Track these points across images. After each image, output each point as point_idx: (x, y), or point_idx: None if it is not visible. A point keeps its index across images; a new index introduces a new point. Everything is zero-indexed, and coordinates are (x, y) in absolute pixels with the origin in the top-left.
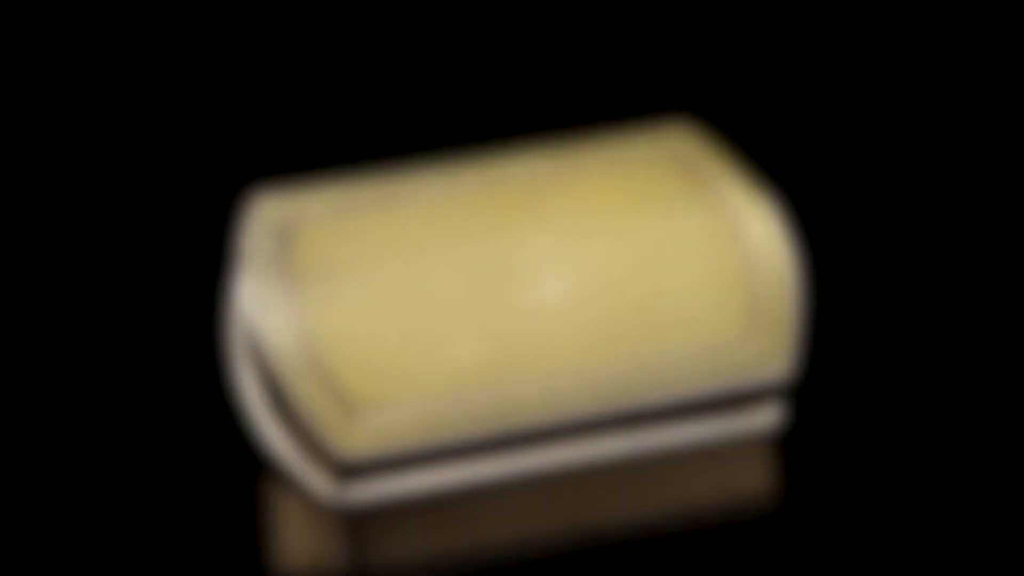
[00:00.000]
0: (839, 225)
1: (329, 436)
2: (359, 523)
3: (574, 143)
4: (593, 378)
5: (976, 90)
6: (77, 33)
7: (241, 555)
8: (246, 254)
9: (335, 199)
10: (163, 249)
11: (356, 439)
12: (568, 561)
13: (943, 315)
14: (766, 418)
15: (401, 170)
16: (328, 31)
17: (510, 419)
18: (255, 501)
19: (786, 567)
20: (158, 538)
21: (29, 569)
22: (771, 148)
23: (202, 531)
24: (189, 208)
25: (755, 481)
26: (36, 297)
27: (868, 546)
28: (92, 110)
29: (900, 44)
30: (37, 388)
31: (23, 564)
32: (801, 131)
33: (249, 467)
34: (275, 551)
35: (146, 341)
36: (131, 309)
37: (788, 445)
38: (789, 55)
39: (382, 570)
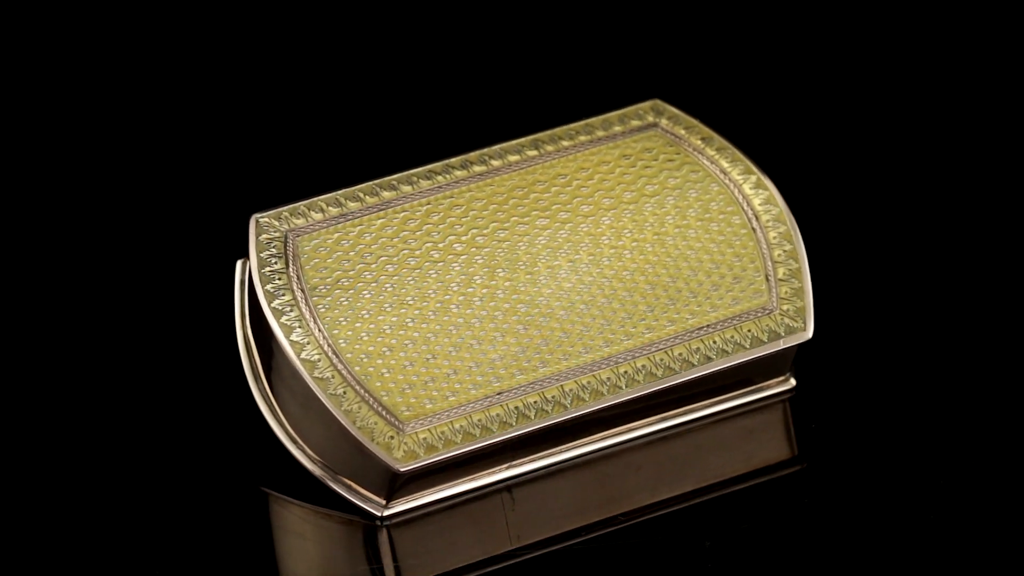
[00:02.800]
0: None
1: (376, 451)
2: (403, 533)
3: (556, 133)
4: (625, 363)
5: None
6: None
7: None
8: (257, 276)
9: (334, 211)
10: (180, 280)
11: (404, 452)
12: (605, 542)
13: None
14: (786, 380)
15: (392, 176)
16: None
17: (551, 414)
18: (297, 520)
19: (809, 524)
20: (197, 555)
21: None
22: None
23: (241, 548)
24: (198, 237)
25: (776, 444)
26: (67, 333)
27: (883, 504)
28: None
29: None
30: (82, 422)
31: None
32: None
33: (288, 487)
34: (319, 567)
35: (176, 367)
36: (157, 339)
37: (803, 405)
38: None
39: None
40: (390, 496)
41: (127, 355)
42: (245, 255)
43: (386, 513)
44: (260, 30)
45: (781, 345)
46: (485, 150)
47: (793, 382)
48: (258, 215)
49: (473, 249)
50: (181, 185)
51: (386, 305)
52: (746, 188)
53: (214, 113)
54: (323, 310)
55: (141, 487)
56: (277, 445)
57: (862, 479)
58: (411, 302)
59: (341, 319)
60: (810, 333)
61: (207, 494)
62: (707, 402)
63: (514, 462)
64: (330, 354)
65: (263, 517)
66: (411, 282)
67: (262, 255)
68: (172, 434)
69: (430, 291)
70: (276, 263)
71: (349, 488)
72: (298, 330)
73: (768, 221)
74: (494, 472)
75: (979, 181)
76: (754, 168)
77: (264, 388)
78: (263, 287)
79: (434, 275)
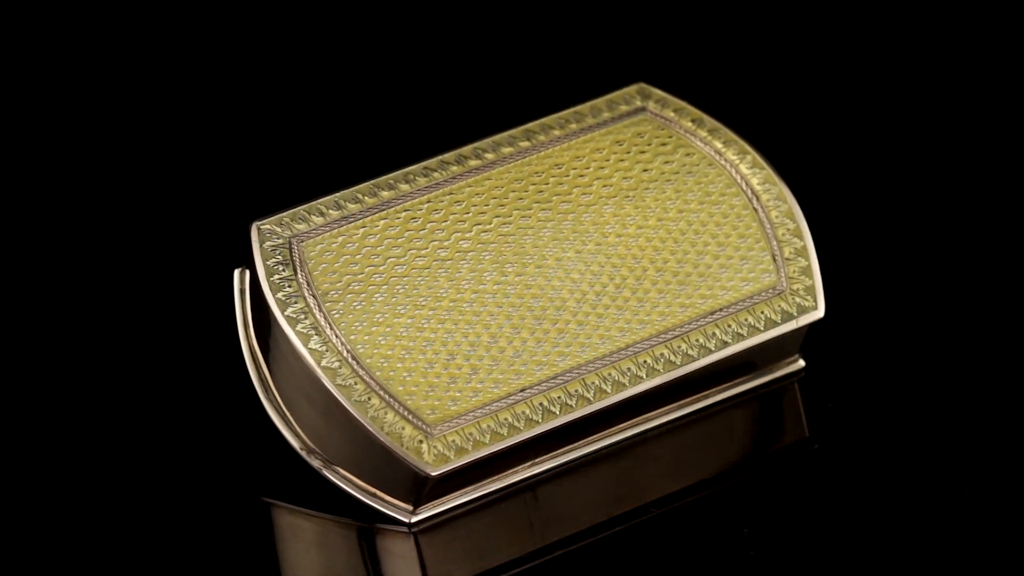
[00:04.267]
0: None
1: (407, 457)
2: (434, 538)
3: (546, 122)
4: (644, 352)
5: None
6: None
7: None
8: (267, 285)
9: (334, 213)
10: (171, 293)
11: (435, 456)
12: (635, 534)
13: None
14: (795, 361)
15: (389, 176)
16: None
17: (575, 408)
18: (324, 534)
19: (830, 504)
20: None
21: None
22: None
23: (271, 568)
24: (186, 248)
25: (790, 425)
26: (80, 355)
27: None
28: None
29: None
30: (105, 434)
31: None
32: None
33: (308, 499)
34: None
35: (179, 384)
36: (155, 357)
37: (813, 386)
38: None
39: None
40: (418, 502)
41: (128, 376)
42: (240, 264)
43: (414, 520)
44: (241, 32)
45: (795, 325)
46: (478, 144)
47: (802, 363)
48: (259, 222)
49: (479, 245)
50: (163, 195)
51: (399, 307)
52: (743, 168)
53: (191, 118)
54: (337, 316)
55: (160, 509)
56: (294, 457)
57: (875, 456)
58: (424, 303)
59: (356, 324)
60: (821, 312)
61: (226, 513)
62: (721, 386)
63: (536, 459)
64: (350, 360)
65: (289, 534)
66: (422, 282)
67: (268, 263)
68: (182, 452)
69: (441, 290)
70: (284, 270)
71: (374, 496)
72: (315, 338)
73: (768, 200)
74: (517, 471)
75: (983, 149)
76: (749, 148)
77: (276, 399)
78: (274, 295)
79: (443, 274)
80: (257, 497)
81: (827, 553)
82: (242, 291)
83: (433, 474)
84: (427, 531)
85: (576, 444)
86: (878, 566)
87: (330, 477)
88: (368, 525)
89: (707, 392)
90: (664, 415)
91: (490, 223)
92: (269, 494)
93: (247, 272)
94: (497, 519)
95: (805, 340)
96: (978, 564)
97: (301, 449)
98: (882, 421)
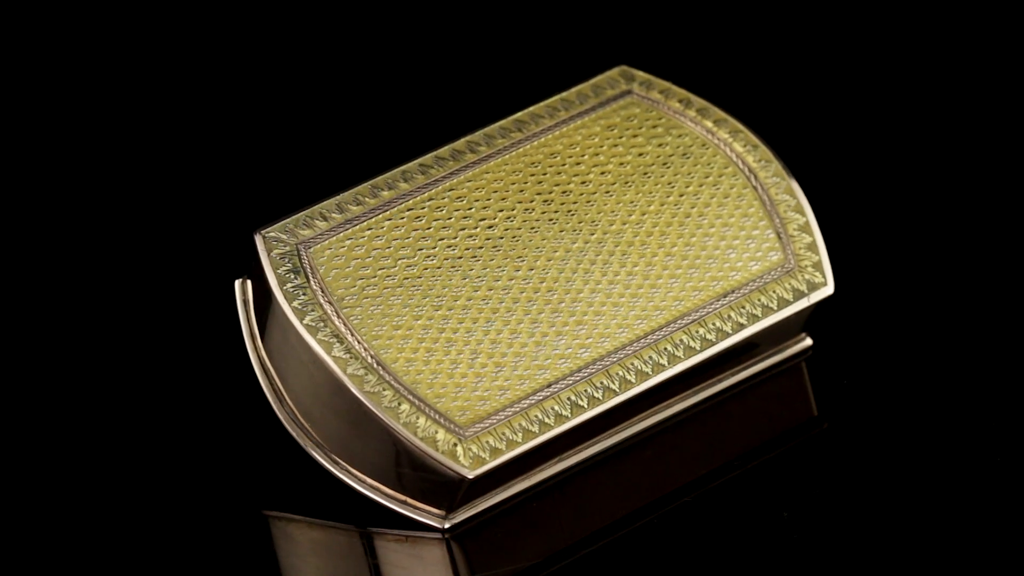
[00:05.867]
0: None
1: (443, 461)
2: (471, 542)
3: (535, 111)
4: (664, 340)
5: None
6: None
7: None
8: (280, 294)
9: (338, 216)
10: (163, 310)
11: (471, 458)
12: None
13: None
14: (802, 339)
15: (387, 175)
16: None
17: (602, 400)
18: (359, 546)
19: (846, 483)
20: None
21: None
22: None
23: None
24: (176, 259)
25: (803, 405)
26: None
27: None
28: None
29: None
30: (121, 441)
31: None
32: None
33: (335, 512)
34: None
35: (188, 404)
36: (157, 377)
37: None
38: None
39: None
40: (451, 507)
41: (137, 398)
42: (234, 272)
43: (447, 525)
44: (222, 35)
45: (808, 302)
46: (470, 137)
47: (809, 341)
48: (263, 230)
49: (487, 241)
50: (148, 204)
51: (417, 308)
52: (737, 147)
53: (171, 124)
54: (357, 321)
55: (189, 527)
56: (316, 469)
57: (885, 434)
58: (441, 302)
59: (377, 328)
60: (831, 287)
61: (254, 530)
62: (734, 368)
63: (563, 454)
64: (376, 366)
65: (321, 548)
66: (436, 282)
67: (279, 271)
68: (204, 470)
69: (456, 288)
70: (296, 278)
71: (405, 504)
72: (338, 345)
73: (767, 178)
74: (544, 468)
75: (988, 120)
76: (741, 127)
77: (291, 411)
78: (290, 305)
79: (456, 272)
80: (284, 512)
81: (838, 532)
82: (245, 302)
83: (470, 477)
84: (461, 536)
85: (600, 437)
86: (889, 545)
87: (356, 486)
88: (400, 533)
89: (721, 375)
90: (679, 402)
91: (494, 218)
92: (297, 509)
93: (248, 282)
94: (529, 518)
95: (810, 318)
96: (988, 543)
97: (322, 459)
98: (891, 398)
